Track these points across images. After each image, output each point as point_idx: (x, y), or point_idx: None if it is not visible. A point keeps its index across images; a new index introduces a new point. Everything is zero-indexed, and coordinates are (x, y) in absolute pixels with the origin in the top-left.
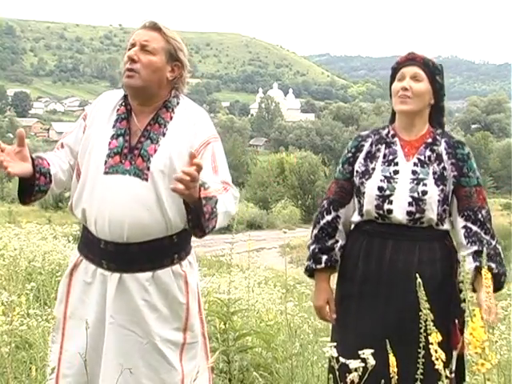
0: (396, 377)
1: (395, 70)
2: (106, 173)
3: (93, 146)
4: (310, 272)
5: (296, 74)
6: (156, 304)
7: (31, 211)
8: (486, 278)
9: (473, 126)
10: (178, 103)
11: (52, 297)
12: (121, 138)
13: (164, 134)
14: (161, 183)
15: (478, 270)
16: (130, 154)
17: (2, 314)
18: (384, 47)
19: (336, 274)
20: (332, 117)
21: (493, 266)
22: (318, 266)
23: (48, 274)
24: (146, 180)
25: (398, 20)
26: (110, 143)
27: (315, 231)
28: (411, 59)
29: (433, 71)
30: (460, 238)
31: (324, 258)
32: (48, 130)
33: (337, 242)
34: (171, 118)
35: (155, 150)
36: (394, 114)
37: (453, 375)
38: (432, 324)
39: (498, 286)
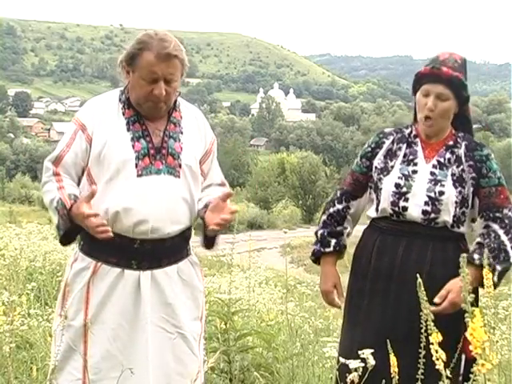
0: (396, 376)
1: (419, 80)
2: (139, 175)
3: (112, 151)
4: (317, 256)
5: (297, 74)
6: (183, 295)
7: (32, 211)
8: (487, 279)
9: (473, 126)
10: (179, 102)
11: (53, 296)
12: (142, 140)
13: (182, 133)
14: (190, 178)
15: (471, 262)
16: (158, 153)
17: (2, 314)
18: (385, 47)
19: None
20: (333, 117)
21: (475, 257)
22: (327, 250)
23: (49, 273)
24: (179, 177)
25: (398, 20)
26: (133, 146)
27: (324, 217)
28: (436, 75)
29: (458, 88)
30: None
31: (333, 241)
32: (49, 130)
33: (345, 228)
34: (181, 117)
35: (181, 148)
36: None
37: (460, 378)
38: (440, 324)
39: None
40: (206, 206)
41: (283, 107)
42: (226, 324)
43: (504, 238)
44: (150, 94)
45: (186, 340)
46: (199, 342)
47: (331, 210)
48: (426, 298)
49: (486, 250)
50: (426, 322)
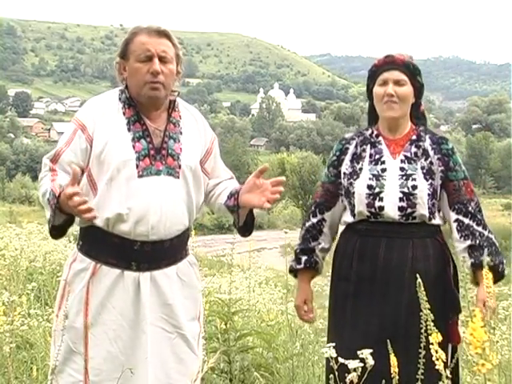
0: (397, 376)
1: (374, 74)
2: (140, 176)
3: (112, 152)
4: (294, 272)
5: (297, 74)
6: (181, 296)
7: (32, 211)
8: (487, 278)
9: (474, 126)
10: (177, 103)
11: (53, 297)
12: (143, 140)
13: (181, 133)
14: (189, 179)
15: (474, 265)
16: (158, 154)
17: (3, 314)
18: (385, 47)
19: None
20: (333, 117)
21: (488, 259)
22: (298, 267)
23: (49, 274)
24: (178, 178)
25: (398, 20)
26: (134, 146)
27: (302, 232)
28: (391, 62)
29: (413, 72)
30: (453, 233)
31: (304, 258)
32: (49, 130)
33: (319, 244)
34: (180, 117)
35: (181, 149)
36: (372, 115)
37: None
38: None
39: (497, 276)
40: (231, 196)
41: (283, 107)
42: (226, 324)
43: (485, 232)
44: (147, 75)
45: (186, 340)
46: (198, 341)
47: (307, 224)
48: (425, 298)
49: (485, 251)
50: (425, 322)
